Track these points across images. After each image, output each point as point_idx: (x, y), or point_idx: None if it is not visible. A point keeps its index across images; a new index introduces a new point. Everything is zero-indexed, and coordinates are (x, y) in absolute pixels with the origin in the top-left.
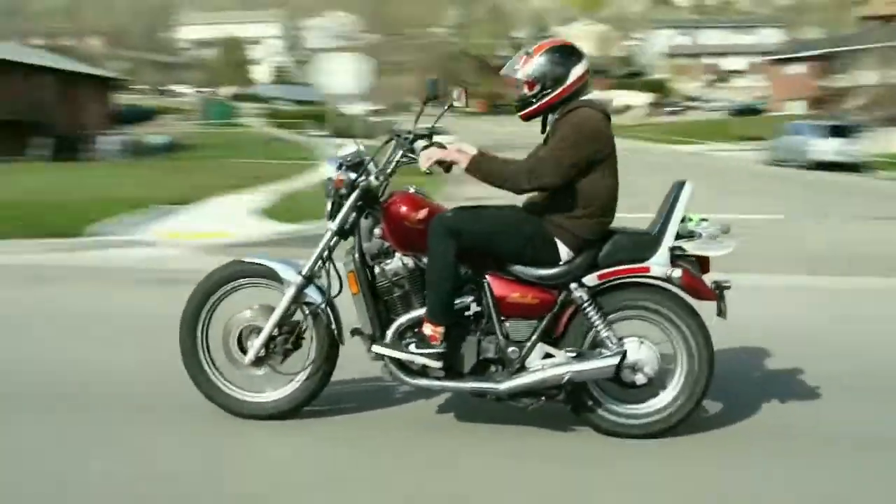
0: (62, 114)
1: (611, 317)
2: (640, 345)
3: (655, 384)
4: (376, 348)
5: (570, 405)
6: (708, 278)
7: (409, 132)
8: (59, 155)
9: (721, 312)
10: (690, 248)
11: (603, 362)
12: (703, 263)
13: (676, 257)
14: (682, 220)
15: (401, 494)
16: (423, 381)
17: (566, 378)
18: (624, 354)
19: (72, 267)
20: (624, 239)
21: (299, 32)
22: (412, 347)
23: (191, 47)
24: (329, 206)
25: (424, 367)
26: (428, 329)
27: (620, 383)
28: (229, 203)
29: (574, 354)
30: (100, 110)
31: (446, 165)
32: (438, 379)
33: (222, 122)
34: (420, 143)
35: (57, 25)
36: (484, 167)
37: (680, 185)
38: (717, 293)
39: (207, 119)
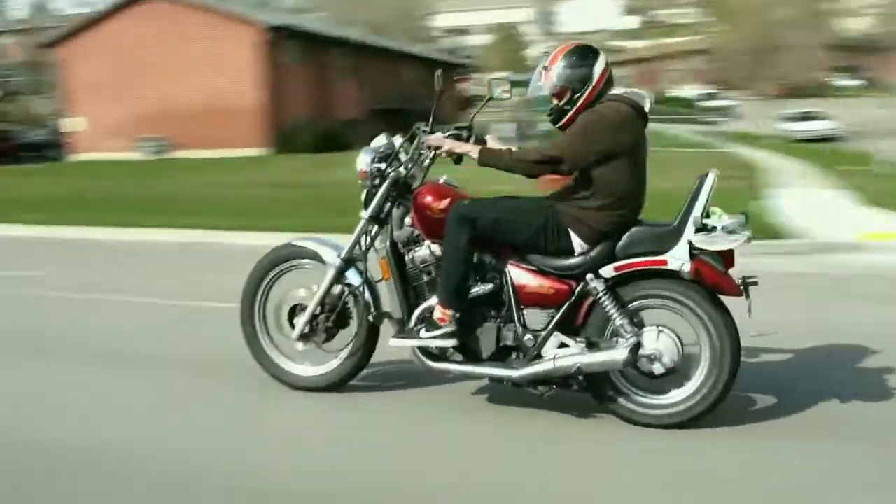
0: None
1: (632, 305)
2: (658, 334)
3: (680, 374)
4: (392, 342)
5: (593, 394)
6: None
7: (428, 124)
8: None
9: (751, 312)
10: (696, 241)
11: (611, 355)
12: (727, 258)
13: (698, 251)
14: (707, 215)
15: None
16: (444, 366)
17: (575, 368)
18: (635, 346)
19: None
20: (642, 231)
21: (553, 16)
22: (423, 332)
23: (447, 35)
24: (364, 196)
25: (443, 351)
26: (438, 312)
27: (642, 373)
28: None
29: (586, 345)
30: (452, 97)
31: (455, 156)
32: (458, 363)
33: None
34: (448, 132)
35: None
36: (495, 156)
37: (703, 177)
38: (744, 289)
39: (533, 107)
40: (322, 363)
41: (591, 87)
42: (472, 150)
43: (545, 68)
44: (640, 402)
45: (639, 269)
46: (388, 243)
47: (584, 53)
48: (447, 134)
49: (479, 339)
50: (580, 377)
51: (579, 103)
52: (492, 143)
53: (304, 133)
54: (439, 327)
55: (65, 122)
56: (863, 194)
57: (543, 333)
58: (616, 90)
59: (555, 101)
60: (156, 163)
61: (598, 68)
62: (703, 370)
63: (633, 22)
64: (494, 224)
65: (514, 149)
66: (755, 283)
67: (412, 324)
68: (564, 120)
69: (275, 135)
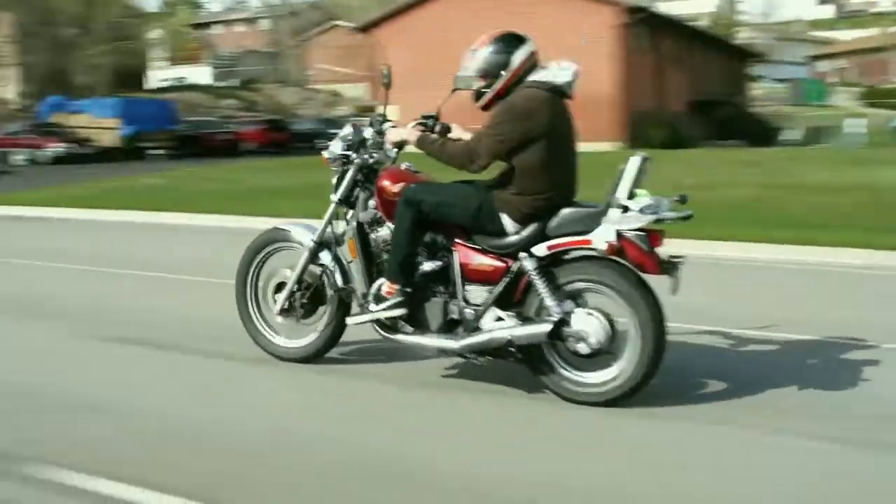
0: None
1: (566, 287)
2: (586, 315)
3: (610, 355)
4: (349, 320)
5: (529, 367)
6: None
7: (381, 115)
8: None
9: (672, 289)
10: (612, 221)
11: (536, 329)
12: (654, 238)
13: (622, 231)
14: (632, 196)
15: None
16: (398, 336)
17: (507, 340)
18: (559, 323)
19: None
20: (571, 212)
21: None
22: (373, 306)
23: None
24: (334, 181)
25: (395, 322)
26: (385, 286)
27: (574, 352)
28: None
29: (520, 319)
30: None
31: (399, 142)
32: (408, 334)
33: (819, 104)
34: (388, 125)
35: None
36: (428, 145)
37: (628, 161)
38: (666, 268)
39: (800, 101)
40: (302, 337)
41: (509, 74)
42: (409, 136)
43: (473, 51)
44: (572, 379)
45: (572, 248)
46: (354, 224)
47: (508, 40)
48: (414, 123)
49: (428, 312)
50: (512, 349)
51: (497, 87)
52: (457, 131)
53: (652, 126)
54: (387, 300)
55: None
56: None
57: (482, 308)
58: (541, 70)
59: (479, 83)
60: None
61: (519, 56)
62: (628, 350)
63: (829, 11)
64: (437, 207)
65: (451, 139)
66: (680, 262)
67: (371, 296)
68: (482, 101)
69: (626, 127)
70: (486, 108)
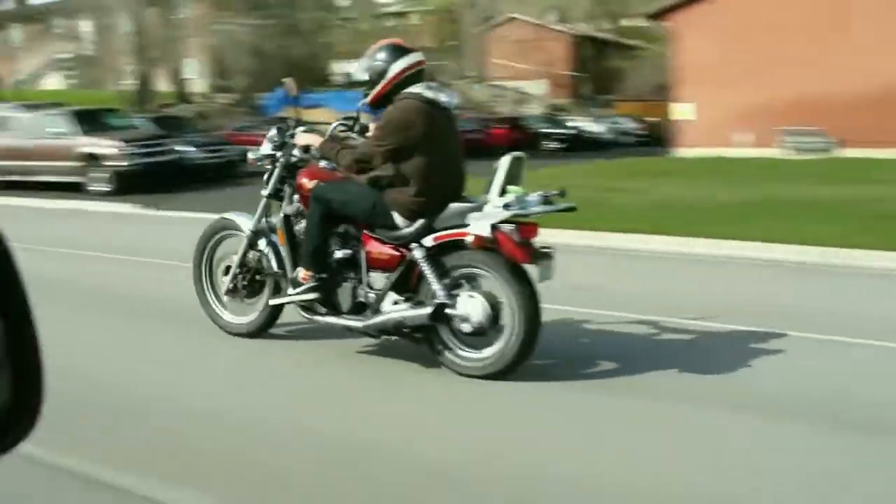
0: None
1: (454, 274)
2: (469, 298)
3: (493, 334)
4: (271, 301)
5: (427, 345)
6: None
7: (294, 120)
8: None
9: (541, 276)
10: (473, 217)
11: (421, 311)
12: (526, 230)
13: (496, 224)
14: (504, 193)
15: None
16: (315, 317)
17: (399, 321)
18: (440, 306)
19: None
20: (454, 208)
21: None
22: (290, 290)
23: None
24: (265, 178)
25: (311, 304)
26: (300, 272)
27: (460, 331)
28: None
29: (413, 303)
30: None
31: (305, 146)
32: (322, 315)
33: None
34: (299, 129)
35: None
36: (326, 150)
37: (500, 160)
38: (535, 257)
39: None
40: (246, 315)
41: (385, 81)
42: (313, 142)
43: (364, 56)
44: (462, 355)
45: (453, 239)
46: (282, 216)
47: (391, 51)
48: (336, 123)
49: (339, 296)
50: (405, 329)
51: (375, 91)
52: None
53: None
54: (302, 285)
55: (675, 109)
56: None
57: (382, 292)
58: (418, 87)
59: (365, 85)
60: (813, 163)
61: (398, 66)
62: (506, 330)
63: None
64: (340, 203)
65: (347, 145)
66: (548, 252)
67: (292, 280)
68: (366, 101)
69: None
70: (371, 105)
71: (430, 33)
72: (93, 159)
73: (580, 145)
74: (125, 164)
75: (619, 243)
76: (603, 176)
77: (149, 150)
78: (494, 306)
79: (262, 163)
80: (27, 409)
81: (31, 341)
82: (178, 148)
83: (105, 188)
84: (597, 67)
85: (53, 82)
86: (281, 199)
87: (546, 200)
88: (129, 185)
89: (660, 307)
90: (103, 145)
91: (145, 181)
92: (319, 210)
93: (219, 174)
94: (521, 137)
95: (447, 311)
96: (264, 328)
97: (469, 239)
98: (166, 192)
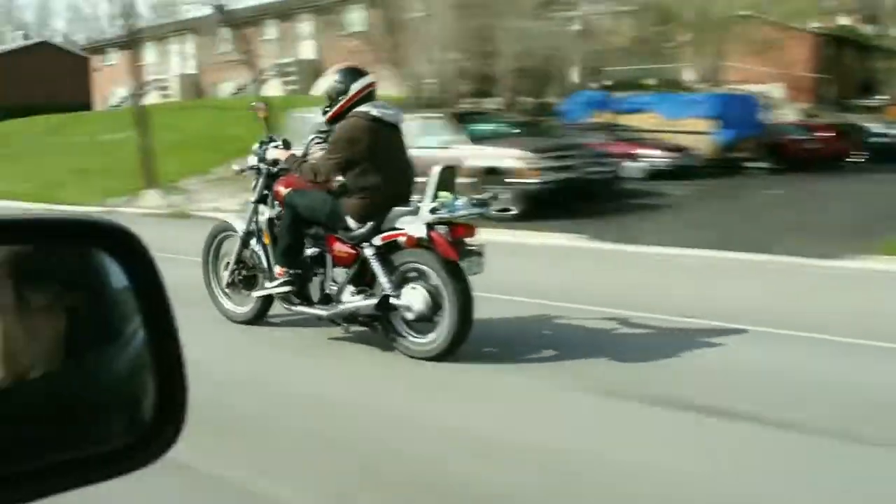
0: None
1: (401, 269)
2: (411, 290)
3: (438, 321)
4: (252, 293)
5: (383, 332)
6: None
7: (269, 137)
8: None
9: (469, 270)
10: (404, 221)
11: (369, 302)
12: (458, 230)
13: (433, 225)
14: (435, 199)
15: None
16: (291, 307)
17: (353, 310)
18: (384, 297)
19: None
20: (397, 212)
21: None
22: (267, 283)
23: None
24: (253, 185)
25: (287, 296)
26: (276, 269)
27: (405, 319)
28: None
29: (366, 295)
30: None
31: (273, 160)
32: (297, 305)
33: None
34: (271, 146)
35: None
36: (291, 164)
37: (432, 170)
38: (462, 253)
39: None
40: (245, 305)
41: (345, 100)
42: (281, 156)
43: (325, 76)
44: (411, 340)
45: (395, 238)
46: (266, 218)
47: (348, 73)
48: (312, 135)
49: (311, 289)
50: (360, 318)
51: (335, 108)
52: None
53: None
54: (277, 280)
55: None
56: None
57: (342, 285)
58: (366, 106)
59: (325, 102)
60: None
61: (355, 87)
62: (444, 318)
63: None
64: (304, 208)
65: (307, 160)
66: (475, 250)
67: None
68: (326, 118)
69: None
70: (329, 121)
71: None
72: (492, 174)
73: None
74: (538, 180)
75: None
76: None
77: (564, 162)
78: (435, 298)
79: (248, 173)
80: (172, 417)
81: (174, 350)
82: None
83: (511, 212)
84: (840, 68)
85: (271, 89)
86: (266, 203)
87: (480, 203)
88: (538, 207)
89: None
90: (507, 156)
91: (559, 202)
92: (290, 214)
93: (606, 192)
94: (842, 149)
95: (393, 301)
96: (260, 316)
97: (402, 239)
98: (586, 217)
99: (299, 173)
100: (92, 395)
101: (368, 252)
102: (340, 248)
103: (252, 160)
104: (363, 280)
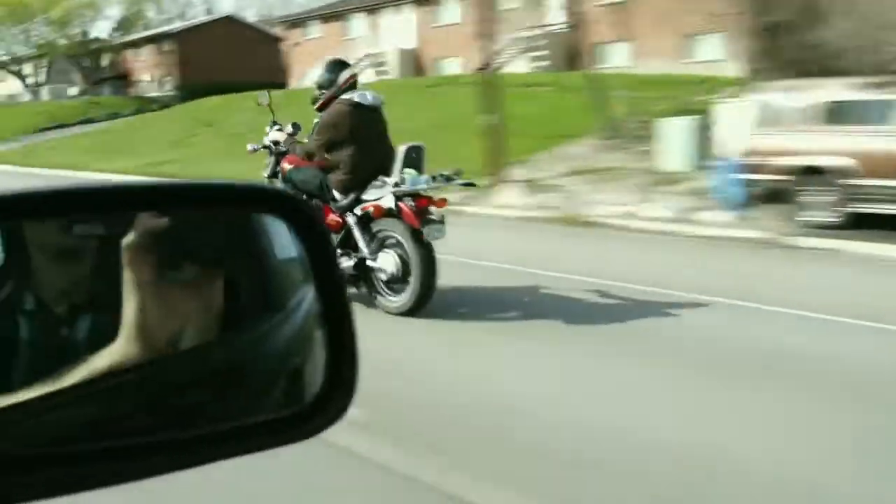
0: None
1: (379, 235)
2: (384, 254)
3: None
4: None
5: (367, 292)
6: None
7: (274, 122)
8: None
9: (428, 236)
10: (369, 196)
11: (348, 264)
12: (422, 201)
13: (401, 197)
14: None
15: None
16: None
17: None
18: (361, 260)
19: None
20: (375, 186)
21: None
22: None
23: None
24: (265, 162)
25: None
26: None
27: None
28: None
29: (347, 257)
30: None
31: (273, 141)
32: None
33: None
34: (274, 129)
35: None
36: (287, 143)
37: (398, 149)
38: (423, 222)
39: None
40: None
41: (334, 89)
42: (279, 138)
43: (316, 69)
44: (388, 298)
45: (370, 209)
46: None
47: (336, 64)
48: (314, 123)
49: None
50: (347, 278)
51: (325, 96)
52: None
53: None
54: None
55: None
56: None
57: None
58: (349, 93)
59: (317, 91)
60: None
61: (342, 77)
62: (412, 280)
63: None
64: (301, 183)
65: (299, 142)
66: (434, 220)
67: None
68: (317, 105)
69: None
70: (319, 108)
71: None
72: None
73: None
74: None
75: None
76: None
77: None
78: (405, 262)
79: (262, 151)
80: (342, 387)
81: (346, 325)
82: None
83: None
84: None
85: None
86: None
87: (445, 178)
88: None
89: None
90: None
91: None
92: (289, 188)
93: None
94: None
95: (369, 263)
96: None
97: (370, 210)
98: None
99: (294, 153)
100: (251, 365)
101: (350, 220)
102: (331, 217)
103: (266, 140)
104: (349, 244)
